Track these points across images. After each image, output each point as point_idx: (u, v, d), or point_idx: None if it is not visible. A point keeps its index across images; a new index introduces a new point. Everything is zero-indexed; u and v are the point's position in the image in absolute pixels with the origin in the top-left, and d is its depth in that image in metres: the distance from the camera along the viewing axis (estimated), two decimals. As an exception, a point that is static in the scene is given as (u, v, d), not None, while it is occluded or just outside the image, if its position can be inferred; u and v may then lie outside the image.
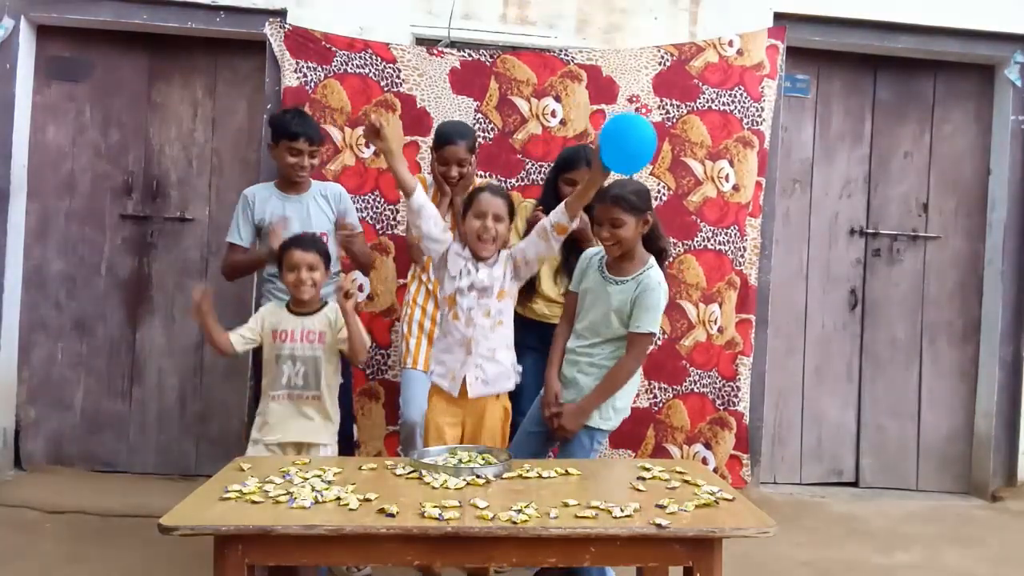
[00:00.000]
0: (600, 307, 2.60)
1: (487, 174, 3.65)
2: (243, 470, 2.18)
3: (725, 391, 3.77)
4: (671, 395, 3.73)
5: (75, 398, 3.97)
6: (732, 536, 1.83)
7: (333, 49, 3.65)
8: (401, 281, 3.56)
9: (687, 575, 1.89)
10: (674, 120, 3.77)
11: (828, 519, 3.73)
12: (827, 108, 4.23)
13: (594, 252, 2.72)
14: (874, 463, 4.25)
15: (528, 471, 2.20)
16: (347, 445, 3.06)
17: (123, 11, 3.78)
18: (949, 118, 4.28)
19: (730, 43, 3.79)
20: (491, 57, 3.72)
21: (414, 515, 1.82)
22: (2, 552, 3.02)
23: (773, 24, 3.91)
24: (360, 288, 3.53)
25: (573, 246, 2.86)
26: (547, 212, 2.64)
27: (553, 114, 3.72)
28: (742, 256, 3.77)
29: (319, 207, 3.08)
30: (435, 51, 3.72)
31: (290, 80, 3.64)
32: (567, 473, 2.21)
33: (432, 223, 2.55)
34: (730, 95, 3.77)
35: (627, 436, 3.55)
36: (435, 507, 1.84)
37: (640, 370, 2.71)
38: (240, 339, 2.66)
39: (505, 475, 2.16)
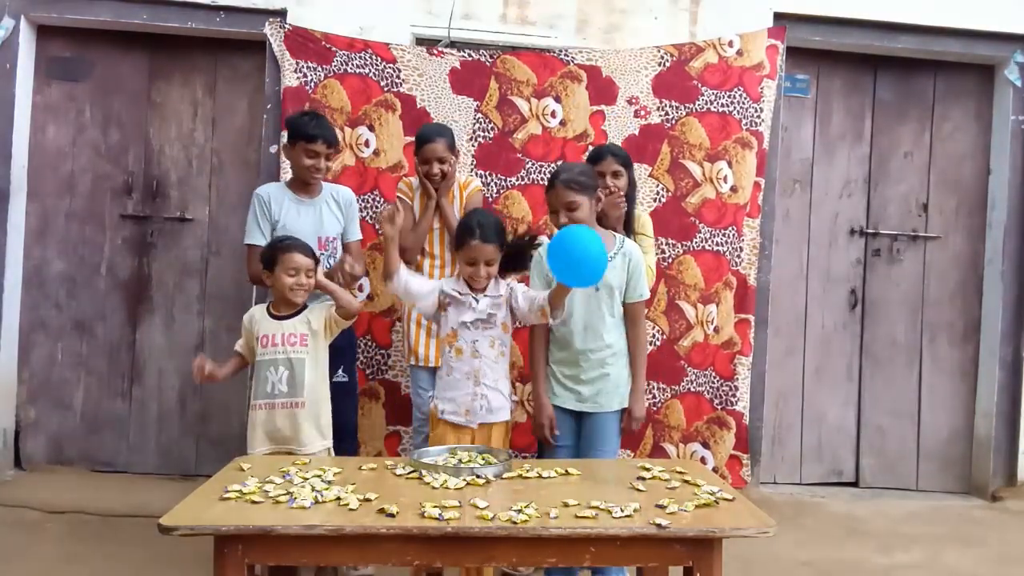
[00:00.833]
0: (592, 294, 2.60)
1: (487, 173, 3.66)
2: (243, 470, 2.18)
3: (723, 391, 3.77)
4: (669, 395, 3.74)
5: (75, 398, 3.97)
6: (732, 536, 1.83)
7: (333, 49, 3.65)
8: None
9: (687, 575, 1.89)
10: (673, 122, 3.77)
11: (828, 519, 3.73)
12: (827, 108, 4.23)
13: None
14: (874, 463, 4.25)
15: (528, 471, 2.20)
16: (351, 444, 3.07)
17: (123, 11, 3.79)
18: (949, 118, 4.28)
19: (730, 43, 3.79)
20: (491, 57, 3.72)
21: (414, 515, 1.82)
22: (2, 552, 3.02)
23: (773, 24, 3.91)
24: (360, 288, 3.53)
25: None
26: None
27: (553, 114, 3.72)
28: (739, 256, 3.77)
29: (331, 211, 3.07)
30: (435, 51, 3.72)
31: (290, 80, 3.64)
32: (567, 473, 2.21)
33: (421, 296, 2.63)
34: (729, 96, 3.77)
35: (626, 436, 3.52)
36: (435, 507, 1.84)
37: None
38: (242, 351, 2.74)
39: (505, 475, 2.16)
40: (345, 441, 2.89)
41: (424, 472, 2.14)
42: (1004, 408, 4.12)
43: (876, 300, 4.25)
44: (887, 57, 4.17)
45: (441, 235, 3.15)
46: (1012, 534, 3.62)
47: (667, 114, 3.77)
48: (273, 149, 3.73)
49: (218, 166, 4.02)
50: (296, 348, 2.63)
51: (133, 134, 3.99)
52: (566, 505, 1.90)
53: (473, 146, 3.69)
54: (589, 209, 2.61)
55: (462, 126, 3.65)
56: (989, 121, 4.26)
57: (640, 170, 3.73)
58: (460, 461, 2.26)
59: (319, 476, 2.11)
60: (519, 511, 1.83)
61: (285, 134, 3.14)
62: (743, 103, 3.77)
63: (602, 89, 3.74)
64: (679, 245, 3.74)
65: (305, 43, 3.65)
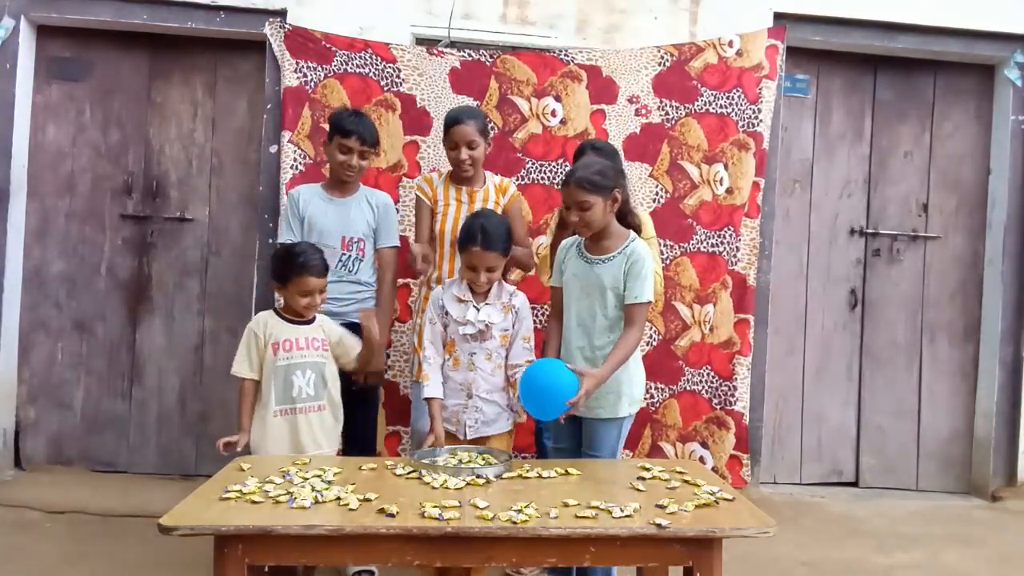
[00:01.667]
0: (591, 291, 2.55)
1: (487, 173, 3.65)
2: (243, 470, 2.18)
3: (722, 391, 3.77)
4: (667, 395, 3.74)
5: (75, 398, 3.97)
6: (732, 536, 1.83)
7: (333, 49, 3.65)
8: (402, 281, 3.55)
9: (687, 575, 1.89)
10: (673, 122, 3.77)
11: (828, 519, 3.73)
12: (827, 108, 4.23)
13: (570, 242, 2.67)
14: (874, 463, 4.25)
15: (528, 471, 2.20)
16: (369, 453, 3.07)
17: (123, 11, 3.78)
18: (949, 118, 4.28)
19: (730, 43, 3.79)
20: (491, 57, 3.72)
21: (414, 515, 1.82)
22: (2, 552, 3.02)
23: (773, 24, 3.91)
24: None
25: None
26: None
27: (553, 114, 3.72)
28: (736, 256, 3.77)
29: (361, 211, 3.01)
30: (435, 51, 3.72)
31: (290, 80, 3.64)
32: (567, 473, 2.21)
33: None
34: (728, 97, 3.77)
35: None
36: (435, 507, 1.84)
37: (642, 365, 2.67)
38: (248, 369, 2.60)
39: (505, 475, 2.17)
40: (366, 451, 2.91)
41: (424, 472, 2.14)
42: (1004, 408, 4.12)
43: (876, 300, 4.25)
44: (887, 57, 4.17)
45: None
46: (1012, 534, 3.62)
47: (667, 114, 3.77)
48: (273, 149, 3.73)
49: (218, 166, 4.02)
50: (320, 352, 2.63)
51: (133, 134, 3.99)
52: (566, 505, 1.90)
53: (473, 146, 3.69)
54: (603, 209, 2.48)
55: (462, 126, 3.65)
56: (989, 121, 4.26)
57: (640, 170, 3.73)
58: (460, 461, 2.26)
59: (319, 476, 2.11)
60: (519, 511, 1.83)
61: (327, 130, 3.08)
62: (741, 105, 3.77)
63: (602, 88, 3.74)
64: (676, 247, 3.74)
65: (305, 43, 3.65)
